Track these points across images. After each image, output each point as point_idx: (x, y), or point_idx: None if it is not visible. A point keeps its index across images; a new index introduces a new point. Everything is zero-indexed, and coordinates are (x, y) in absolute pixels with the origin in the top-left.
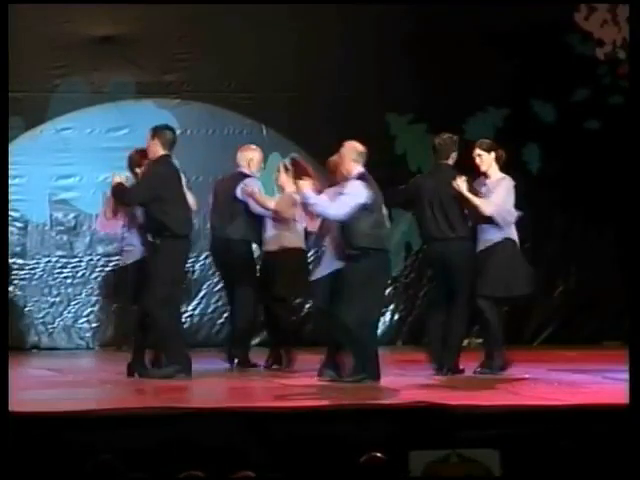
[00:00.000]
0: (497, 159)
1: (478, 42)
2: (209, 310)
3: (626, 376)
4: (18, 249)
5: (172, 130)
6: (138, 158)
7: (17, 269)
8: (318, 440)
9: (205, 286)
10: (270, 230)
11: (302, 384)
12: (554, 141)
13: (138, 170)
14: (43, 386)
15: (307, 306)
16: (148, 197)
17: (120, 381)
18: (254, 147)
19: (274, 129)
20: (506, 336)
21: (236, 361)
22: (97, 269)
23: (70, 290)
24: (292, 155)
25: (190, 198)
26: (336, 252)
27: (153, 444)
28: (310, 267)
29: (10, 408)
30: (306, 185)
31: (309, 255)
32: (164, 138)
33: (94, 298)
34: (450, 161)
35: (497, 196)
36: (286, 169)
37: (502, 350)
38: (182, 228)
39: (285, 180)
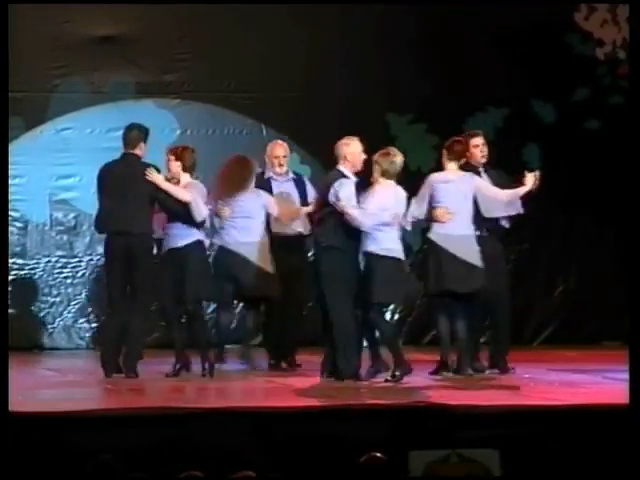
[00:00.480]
0: (451, 156)
1: (478, 42)
2: (209, 310)
3: (626, 376)
4: (18, 249)
5: (137, 128)
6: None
7: (17, 269)
8: (318, 440)
9: None
10: None
11: (302, 384)
12: (554, 141)
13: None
14: (43, 386)
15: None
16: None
17: (119, 381)
18: (280, 142)
19: (274, 129)
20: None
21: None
22: (97, 269)
23: (70, 290)
24: None
25: (179, 193)
26: None
27: (153, 444)
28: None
29: (10, 408)
30: None
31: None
32: (126, 137)
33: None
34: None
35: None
36: None
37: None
38: (101, 225)
39: None
